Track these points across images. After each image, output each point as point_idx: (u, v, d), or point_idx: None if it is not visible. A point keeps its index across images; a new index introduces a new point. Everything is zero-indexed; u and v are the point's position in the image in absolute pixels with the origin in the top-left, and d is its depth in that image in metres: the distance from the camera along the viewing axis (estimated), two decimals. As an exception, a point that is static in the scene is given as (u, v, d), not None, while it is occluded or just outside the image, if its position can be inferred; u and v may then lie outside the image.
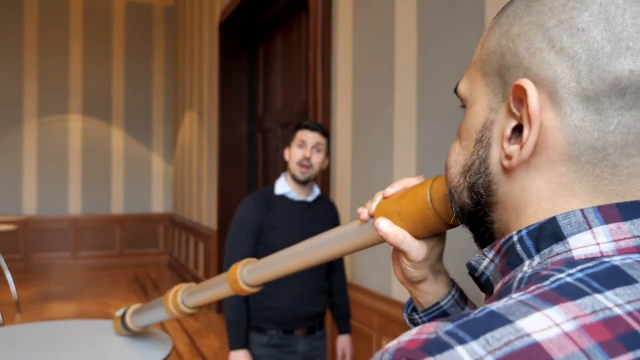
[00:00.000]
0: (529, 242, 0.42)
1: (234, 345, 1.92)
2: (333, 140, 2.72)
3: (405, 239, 0.61)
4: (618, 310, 0.35)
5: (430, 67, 1.98)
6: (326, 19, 2.77)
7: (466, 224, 0.51)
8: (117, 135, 7.22)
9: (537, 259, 0.41)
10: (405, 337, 0.37)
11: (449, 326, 0.36)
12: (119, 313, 1.40)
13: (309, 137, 1.97)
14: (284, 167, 2.06)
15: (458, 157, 0.49)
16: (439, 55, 1.92)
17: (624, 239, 0.39)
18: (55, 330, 1.61)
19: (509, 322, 0.35)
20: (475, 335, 0.34)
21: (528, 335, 0.34)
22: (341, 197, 2.64)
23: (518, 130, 0.43)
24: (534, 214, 0.43)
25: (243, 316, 1.95)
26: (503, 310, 0.36)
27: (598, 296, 0.35)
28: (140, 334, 1.45)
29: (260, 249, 1.95)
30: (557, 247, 0.40)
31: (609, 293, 0.35)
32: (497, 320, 0.35)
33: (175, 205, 7.18)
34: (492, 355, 0.33)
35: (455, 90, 0.52)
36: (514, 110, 0.43)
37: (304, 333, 2.02)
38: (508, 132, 0.43)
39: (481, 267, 0.47)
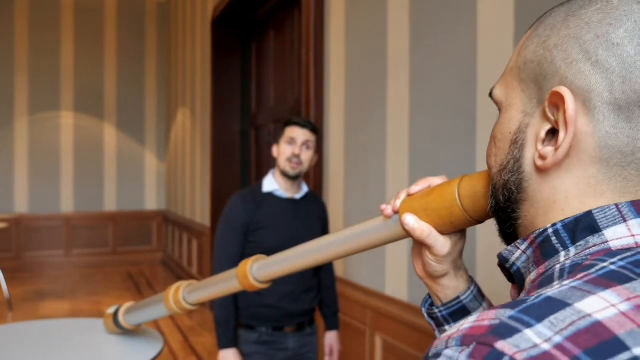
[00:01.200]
0: (564, 235, 0.46)
1: (223, 344, 1.92)
2: (326, 138, 2.72)
3: (431, 233, 0.64)
4: None
5: (422, 64, 1.98)
6: (319, 16, 2.76)
7: (495, 218, 0.56)
8: (109, 133, 7.19)
9: (572, 250, 0.45)
10: (465, 325, 0.40)
11: (510, 312, 0.39)
12: (110, 311, 1.39)
13: (298, 134, 1.96)
14: (274, 163, 2.05)
15: (496, 158, 0.53)
16: (432, 52, 1.92)
17: None
18: (47, 329, 1.60)
19: (568, 305, 0.38)
20: (539, 319, 0.37)
21: (589, 315, 0.37)
22: (334, 194, 2.64)
23: (551, 133, 0.47)
24: (562, 212, 0.47)
25: (232, 315, 1.94)
26: (559, 295, 0.39)
27: None
28: (131, 333, 1.44)
29: (248, 247, 1.95)
30: (593, 239, 0.44)
31: None
32: (557, 304, 0.38)
33: (168, 203, 7.16)
34: (559, 335, 0.36)
35: (491, 95, 0.55)
36: (549, 114, 0.46)
37: (293, 330, 2.02)
38: (543, 134, 0.47)
39: (512, 259, 0.51)
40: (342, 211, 2.57)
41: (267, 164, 4.25)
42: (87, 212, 7.04)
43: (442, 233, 0.64)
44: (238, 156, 4.81)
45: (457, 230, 0.65)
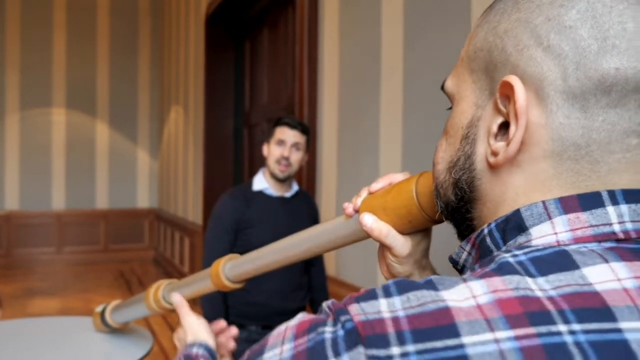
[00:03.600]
0: (497, 235, 0.44)
1: None
2: (319, 136, 2.72)
3: (389, 233, 0.61)
4: (539, 294, 0.36)
5: (416, 63, 1.98)
6: (312, 14, 2.76)
7: (450, 220, 0.52)
8: (101, 129, 7.15)
9: (503, 249, 0.42)
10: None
11: (389, 282, 0.40)
12: (98, 309, 1.38)
13: (288, 135, 1.95)
14: (265, 162, 2.04)
15: (444, 154, 0.50)
16: (426, 51, 1.92)
17: (581, 228, 0.40)
18: (37, 326, 1.59)
19: (435, 289, 0.38)
20: (401, 292, 0.38)
21: (443, 300, 0.37)
22: (327, 193, 2.64)
23: (504, 127, 0.43)
24: (510, 210, 0.44)
25: (220, 312, 1.94)
26: (438, 279, 0.39)
27: (527, 278, 0.37)
28: (121, 331, 1.44)
29: (238, 246, 1.94)
30: (521, 238, 0.42)
31: (540, 279, 0.37)
32: (427, 285, 0.39)
33: (160, 200, 7.13)
34: (404, 311, 0.37)
35: (443, 87, 0.52)
36: (501, 107, 0.43)
37: None
38: (494, 128, 0.44)
39: (461, 260, 0.49)
40: (334, 210, 2.56)
41: (260, 162, 4.24)
42: (78, 209, 7.00)
43: (402, 233, 0.62)
44: (231, 154, 4.80)
45: (419, 230, 0.62)
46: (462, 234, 0.51)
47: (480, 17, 0.49)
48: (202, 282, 0.96)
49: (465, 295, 0.37)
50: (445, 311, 0.36)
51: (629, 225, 0.39)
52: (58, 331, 1.53)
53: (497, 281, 0.37)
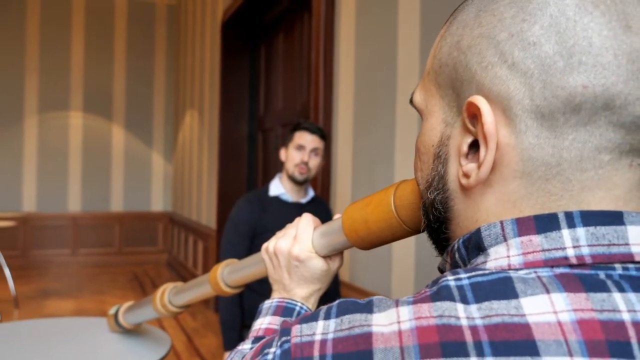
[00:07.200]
0: (463, 251, 0.44)
1: (229, 346, 1.92)
2: (334, 142, 2.72)
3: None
4: (464, 322, 0.35)
5: (432, 70, 1.97)
6: (329, 20, 2.77)
7: (430, 239, 0.52)
8: (117, 133, 7.22)
9: (468, 267, 0.42)
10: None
11: (335, 302, 0.42)
12: (112, 311, 1.39)
13: (307, 141, 1.95)
14: (282, 167, 2.05)
15: (422, 173, 0.49)
16: (441, 58, 1.92)
17: (533, 252, 0.38)
18: (53, 327, 1.60)
19: (370, 311, 0.39)
20: (339, 314, 0.40)
21: (369, 325, 0.38)
22: (341, 200, 2.64)
23: (475, 145, 0.42)
24: None
25: (237, 316, 1.95)
26: (378, 300, 0.41)
27: (459, 305, 0.36)
28: (138, 332, 1.45)
29: (254, 251, 1.95)
30: (480, 258, 0.41)
31: (472, 306, 0.36)
32: (365, 308, 0.40)
33: (174, 204, 7.18)
34: (334, 334, 0.39)
35: (411, 101, 0.51)
36: (470, 126, 0.42)
37: None
38: (465, 148, 0.43)
39: (446, 271, 0.49)
40: (348, 216, 2.56)
41: (274, 167, 4.26)
42: (93, 212, 7.07)
43: (386, 243, 0.63)
44: (245, 159, 4.82)
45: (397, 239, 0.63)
46: (441, 253, 0.51)
47: (443, 26, 0.47)
48: (204, 287, 0.96)
49: (391, 319, 0.38)
50: (367, 336, 0.37)
51: (585, 250, 0.37)
52: (76, 332, 1.55)
53: (425, 308, 0.37)
